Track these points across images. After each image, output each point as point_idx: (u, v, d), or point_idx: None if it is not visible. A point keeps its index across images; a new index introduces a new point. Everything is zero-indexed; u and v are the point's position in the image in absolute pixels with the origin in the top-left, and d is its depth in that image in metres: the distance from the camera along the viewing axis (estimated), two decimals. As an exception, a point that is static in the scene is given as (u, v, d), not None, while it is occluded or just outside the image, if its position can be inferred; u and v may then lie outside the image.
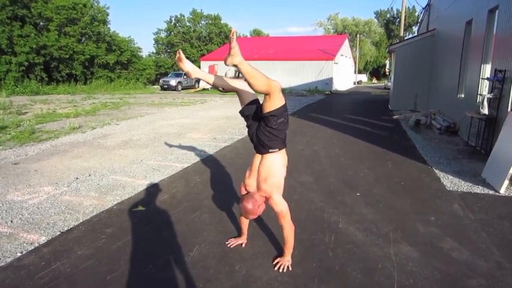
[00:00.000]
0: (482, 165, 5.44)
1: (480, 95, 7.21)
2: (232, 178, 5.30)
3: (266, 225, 3.59)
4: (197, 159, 6.46)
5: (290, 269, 2.83)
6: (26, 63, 27.95)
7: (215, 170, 5.75)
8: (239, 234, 3.35)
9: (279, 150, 2.79)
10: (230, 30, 2.25)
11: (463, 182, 5.06)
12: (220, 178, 5.32)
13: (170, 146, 7.58)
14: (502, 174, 4.68)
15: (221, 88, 2.94)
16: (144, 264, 2.91)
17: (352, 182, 5.08)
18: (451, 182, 5.07)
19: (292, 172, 5.53)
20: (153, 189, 4.80)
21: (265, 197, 2.83)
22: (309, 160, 6.41)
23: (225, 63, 2.33)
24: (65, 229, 3.58)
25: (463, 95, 8.90)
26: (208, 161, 6.37)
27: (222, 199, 4.41)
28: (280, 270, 2.81)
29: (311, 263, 2.94)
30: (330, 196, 4.50)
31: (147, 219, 3.83)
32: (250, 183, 2.91)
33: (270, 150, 2.76)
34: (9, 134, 8.76)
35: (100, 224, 3.69)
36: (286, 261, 2.88)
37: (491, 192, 4.68)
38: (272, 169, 2.78)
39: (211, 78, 2.89)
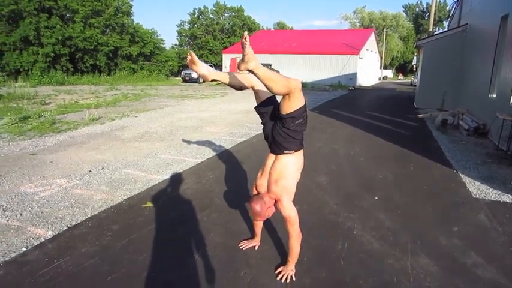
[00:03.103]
0: (513, 171, 5.08)
1: (515, 95, 6.79)
2: (246, 176, 5.15)
3: (275, 229, 3.42)
4: (212, 154, 6.35)
5: (294, 279, 2.67)
6: (52, 54, 28.66)
7: (229, 167, 5.62)
8: (252, 236, 3.21)
9: (295, 152, 2.63)
10: (242, 35, 2.08)
11: (491, 190, 4.71)
12: (233, 175, 5.19)
13: (186, 139, 7.50)
14: (535, 182, 4.34)
15: (238, 87, 2.75)
16: (147, 266, 2.81)
17: (370, 185, 4.84)
18: (477, 189, 4.73)
19: (308, 171, 5.33)
20: (163, 185, 4.71)
21: (275, 200, 2.68)
22: (326, 159, 6.19)
23: (239, 68, 2.17)
24: (72, 224, 3.53)
25: (494, 95, 8.41)
26: (223, 156, 6.25)
27: (233, 198, 4.28)
28: (282, 281, 2.64)
29: (320, 272, 2.76)
30: (346, 199, 4.29)
31: (155, 216, 3.73)
32: (262, 183, 2.75)
33: (285, 152, 2.60)
34: (31, 124, 8.89)
35: (107, 220, 3.62)
36: (289, 271, 2.70)
37: (522, 201, 4.33)
38: (285, 171, 2.62)
39: (227, 79, 2.69)
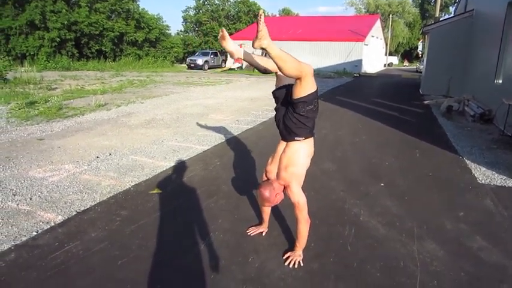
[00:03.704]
0: (519, 158, 5.07)
1: (521, 81, 6.73)
2: (252, 163, 5.17)
3: (283, 215, 3.45)
4: (218, 141, 6.37)
5: (301, 264, 2.70)
6: (57, 39, 28.55)
7: (235, 154, 5.64)
8: (260, 222, 3.25)
9: (305, 139, 2.65)
10: (258, 12, 2.07)
11: (496, 175, 4.72)
12: (240, 162, 5.21)
13: (192, 126, 7.52)
14: (541, 169, 4.33)
15: (263, 69, 2.80)
16: (155, 251, 2.86)
17: (376, 171, 4.85)
18: (483, 175, 4.73)
19: (314, 158, 5.25)
20: (171, 172, 4.74)
21: (284, 186, 2.70)
22: (332, 146, 6.19)
23: (253, 46, 2.17)
24: (81, 209, 3.58)
25: (500, 81, 8.33)
26: (229, 143, 6.27)
27: (240, 184, 4.30)
28: (291, 266, 2.68)
29: (328, 258, 2.80)
30: (352, 186, 4.31)
31: (163, 202, 3.77)
32: (272, 169, 2.79)
33: (295, 138, 2.62)
34: (38, 109, 8.94)
35: (116, 206, 3.66)
36: (297, 256, 2.74)
37: (528, 187, 4.34)
38: (294, 158, 2.65)
39: (252, 60, 2.77)
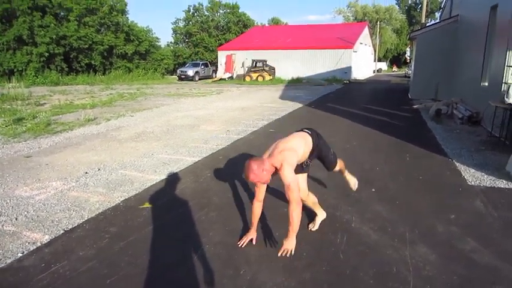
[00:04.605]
0: (506, 158, 5.09)
1: (505, 83, 6.81)
2: (243, 174, 5.13)
3: (273, 226, 3.42)
4: (209, 152, 6.33)
5: (293, 253, 2.76)
6: (46, 54, 28.24)
7: (226, 165, 5.61)
8: (248, 228, 3.21)
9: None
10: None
11: (485, 176, 4.77)
12: (231, 173, 5.17)
13: (182, 138, 7.48)
14: (529, 168, 4.37)
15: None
16: (146, 267, 2.80)
17: (367, 177, 4.84)
18: (472, 176, 4.78)
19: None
20: (161, 185, 4.70)
21: (275, 168, 2.80)
22: (323, 153, 6.19)
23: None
24: (69, 227, 3.51)
25: (486, 83, 8.46)
26: (220, 154, 6.24)
27: (231, 196, 4.27)
28: (283, 255, 2.74)
29: (320, 266, 2.77)
30: (344, 193, 4.28)
31: (153, 217, 3.72)
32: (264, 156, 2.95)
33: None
34: (26, 125, 8.82)
35: (105, 223, 3.60)
36: (289, 246, 2.76)
37: (516, 187, 4.37)
38: (292, 143, 2.96)
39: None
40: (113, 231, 3.42)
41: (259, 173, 2.74)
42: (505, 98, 5.88)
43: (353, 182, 3.81)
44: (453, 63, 12.95)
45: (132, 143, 7.18)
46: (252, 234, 3.13)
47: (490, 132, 6.86)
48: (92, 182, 4.83)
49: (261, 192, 3.04)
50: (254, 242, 3.10)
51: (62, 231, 3.41)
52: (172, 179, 4.92)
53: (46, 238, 3.28)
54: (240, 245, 3.08)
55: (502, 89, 6.84)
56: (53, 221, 3.67)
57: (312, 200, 3.44)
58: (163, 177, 5.02)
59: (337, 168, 3.60)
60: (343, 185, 4.53)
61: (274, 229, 3.36)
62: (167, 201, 4.18)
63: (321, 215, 3.45)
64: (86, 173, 5.25)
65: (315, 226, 3.36)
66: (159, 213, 3.81)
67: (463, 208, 3.79)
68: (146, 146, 6.90)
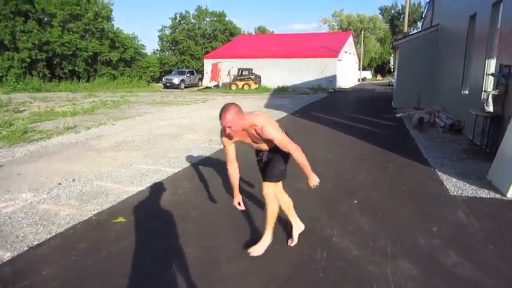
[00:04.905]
0: (488, 166, 5.09)
1: (485, 91, 6.87)
2: (223, 185, 4.98)
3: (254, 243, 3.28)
4: (190, 163, 6.17)
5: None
6: (28, 60, 27.75)
7: (207, 176, 5.44)
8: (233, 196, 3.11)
9: None
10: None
11: (467, 186, 4.73)
12: (211, 185, 5.00)
13: (164, 148, 7.30)
14: (509, 176, 4.34)
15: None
16: (114, 287, 2.63)
17: (349, 187, 4.76)
18: (454, 186, 4.74)
19: (287, 177, 5.22)
20: (137, 197, 4.51)
21: (255, 131, 2.77)
22: (306, 163, 6.09)
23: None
24: (35, 243, 3.30)
25: (467, 92, 8.56)
26: (201, 164, 6.08)
27: (210, 209, 4.13)
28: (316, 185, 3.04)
29: (299, 285, 2.64)
30: (325, 204, 4.19)
31: (126, 232, 3.54)
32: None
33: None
34: (1, 133, 8.52)
35: (73, 238, 3.41)
36: (313, 182, 3.08)
37: (497, 196, 4.36)
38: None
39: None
40: (82, 247, 3.23)
41: (235, 118, 2.67)
42: (485, 106, 5.90)
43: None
44: (435, 72, 13.12)
45: (111, 152, 6.96)
46: (237, 198, 3.04)
47: (471, 140, 6.89)
48: (65, 194, 4.62)
49: (230, 152, 3.02)
50: (242, 206, 3.03)
51: (26, 248, 3.20)
52: (150, 191, 4.75)
53: (8, 255, 3.06)
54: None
55: (482, 97, 6.90)
56: (18, 236, 3.46)
57: (287, 202, 3.28)
58: (141, 188, 4.83)
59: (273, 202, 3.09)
60: (324, 196, 4.45)
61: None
62: (142, 214, 4.00)
63: (298, 226, 3.31)
64: (60, 184, 5.04)
65: (293, 241, 3.22)
66: (133, 228, 3.64)
67: (445, 219, 3.72)
68: (125, 155, 6.70)
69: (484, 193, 4.46)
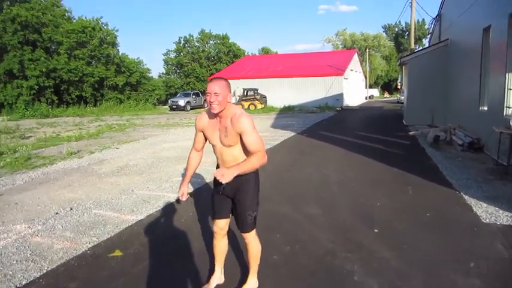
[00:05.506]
0: (519, 189, 4.65)
1: (508, 107, 6.49)
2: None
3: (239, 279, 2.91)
4: (194, 187, 5.84)
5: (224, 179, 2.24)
6: (36, 87, 28.21)
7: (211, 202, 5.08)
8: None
9: None
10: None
11: (501, 212, 4.24)
12: (216, 211, 4.65)
13: (167, 172, 6.99)
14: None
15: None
16: None
17: (367, 214, 4.35)
18: (486, 212, 4.25)
19: (298, 202, 4.87)
20: (137, 228, 4.17)
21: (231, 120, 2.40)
22: (317, 186, 5.71)
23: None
24: (23, 283, 2.97)
25: (486, 108, 8.15)
26: (205, 190, 5.73)
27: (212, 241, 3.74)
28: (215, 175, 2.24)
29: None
30: (342, 234, 3.78)
31: (122, 268, 3.18)
32: None
33: None
34: (4, 160, 8.32)
35: (65, 276, 3.06)
36: (223, 172, 2.22)
37: (537, 223, 3.87)
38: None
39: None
40: (73, 287, 2.87)
41: (225, 90, 2.35)
42: (510, 123, 5.51)
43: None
44: (447, 87, 12.77)
45: (113, 177, 6.67)
46: (182, 189, 2.72)
47: (496, 160, 6.43)
48: (61, 225, 4.30)
49: (199, 139, 2.71)
50: (184, 198, 2.72)
51: (11, 289, 2.86)
52: (151, 220, 4.40)
53: (-11, 300, 2.73)
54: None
55: (504, 113, 6.51)
56: (6, 275, 3.13)
57: (222, 248, 2.83)
58: (141, 217, 4.50)
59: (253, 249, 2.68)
60: (340, 224, 4.06)
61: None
62: (140, 247, 3.64)
63: (219, 276, 2.86)
64: (57, 213, 4.73)
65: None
66: (130, 264, 3.28)
67: (482, 253, 3.26)
68: (127, 181, 6.39)
69: (520, 220, 3.98)
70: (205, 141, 2.69)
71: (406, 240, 3.56)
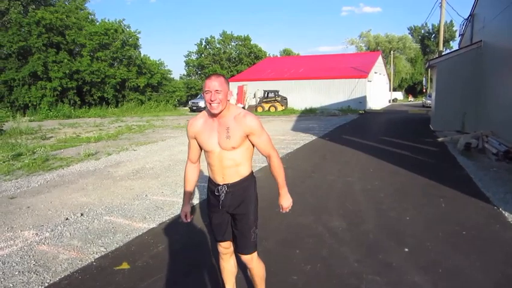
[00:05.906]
0: None
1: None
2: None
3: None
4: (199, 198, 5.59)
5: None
6: (59, 88, 28.77)
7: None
8: None
9: None
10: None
11: (547, 231, 3.81)
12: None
13: (183, 176, 6.76)
14: None
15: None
16: None
17: (396, 230, 3.97)
18: (530, 231, 3.83)
19: (321, 213, 4.54)
20: (147, 237, 3.94)
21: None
22: (341, 196, 5.35)
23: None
24: (22, 298, 2.77)
25: (524, 114, 7.58)
26: (222, 196, 5.46)
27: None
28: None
29: None
30: (369, 252, 3.43)
31: (128, 283, 2.95)
32: None
33: None
34: (23, 161, 8.33)
35: (66, 292, 2.85)
36: (285, 203, 2.39)
37: None
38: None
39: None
40: (73, 307, 2.65)
41: (226, 86, 2.14)
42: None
43: None
44: (479, 91, 12.09)
45: (128, 181, 6.50)
46: (185, 209, 2.48)
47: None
48: (69, 232, 4.12)
49: (194, 149, 2.41)
50: (188, 219, 2.44)
51: (7, 307, 2.67)
52: (162, 229, 4.17)
53: (-18, 319, 2.53)
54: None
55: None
56: (6, 287, 2.94)
57: (231, 269, 2.56)
58: (153, 225, 4.27)
59: (254, 267, 2.41)
60: (366, 240, 3.71)
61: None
62: (151, 259, 3.40)
63: None
64: (67, 219, 4.57)
65: None
66: (137, 278, 3.04)
67: (529, 279, 2.88)
68: (142, 184, 6.21)
69: None
70: (200, 150, 2.39)
71: (441, 262, 3.17)
